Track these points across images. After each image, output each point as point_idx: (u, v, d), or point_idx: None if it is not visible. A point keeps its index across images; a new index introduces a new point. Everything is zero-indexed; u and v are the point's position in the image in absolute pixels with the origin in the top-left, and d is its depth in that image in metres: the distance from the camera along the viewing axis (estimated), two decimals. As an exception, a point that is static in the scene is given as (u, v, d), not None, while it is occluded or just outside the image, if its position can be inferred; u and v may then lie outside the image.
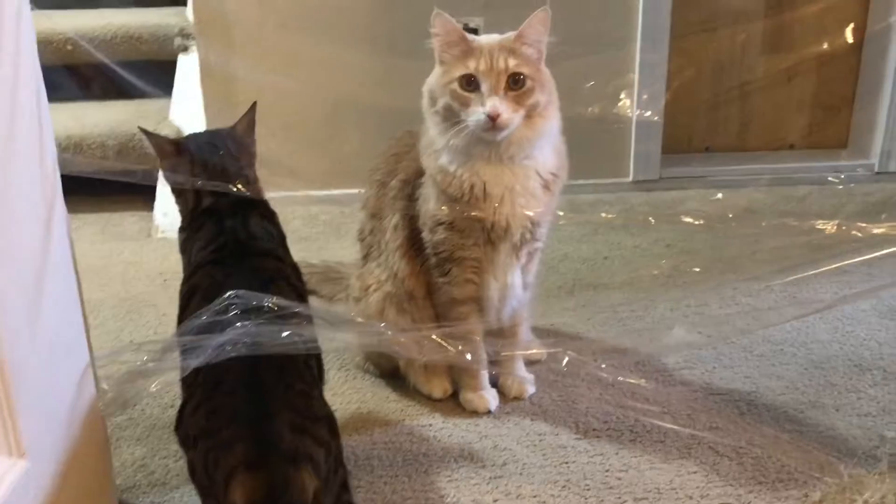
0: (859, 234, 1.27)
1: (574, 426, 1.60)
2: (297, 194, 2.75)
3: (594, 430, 1.59)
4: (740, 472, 1.45)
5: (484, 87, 1.43)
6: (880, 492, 1.36)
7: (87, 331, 1.22)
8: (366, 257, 1.73)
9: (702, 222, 1.58)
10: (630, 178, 2.92)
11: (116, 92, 3.06)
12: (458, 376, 1.68)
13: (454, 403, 1.68)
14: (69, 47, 2.96)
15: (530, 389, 1.71)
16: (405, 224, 1.63)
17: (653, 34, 2.77)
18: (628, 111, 1.92)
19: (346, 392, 1.72)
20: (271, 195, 2.79)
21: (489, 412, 1.65)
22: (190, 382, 1.15)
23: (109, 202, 2.81)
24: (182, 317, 1.26)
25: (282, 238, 1.40)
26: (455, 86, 1.45)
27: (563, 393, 1.71)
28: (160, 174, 2.82)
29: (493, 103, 1.42)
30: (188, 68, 2.94)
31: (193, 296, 1.24)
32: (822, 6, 2.92)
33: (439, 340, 1.28)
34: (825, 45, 2.97)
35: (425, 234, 1.60)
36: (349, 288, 1.76)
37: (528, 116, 1.47)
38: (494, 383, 1.71)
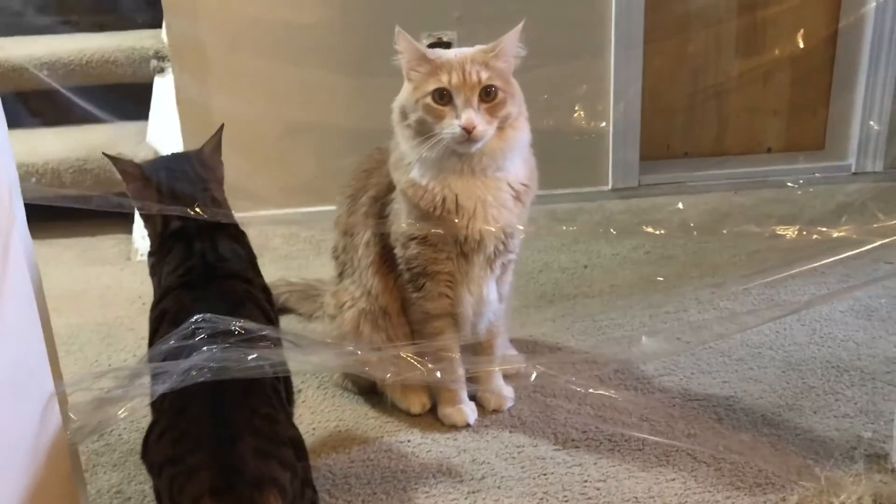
0: (819, 238, 1.27)
1: (553, 437, 1.60)
2: (279, 212, 2.76)
3: (573, 440, 1.58)
4: (718, 479, 1.45)
5: (458, 100, 1.44)
6: (856, 493, 1.36)
7: (54, 358, 1.22)
8: (340, 275, 1.73)
9: (662, 232, 1.57)
10: (609, 187, 2.92)
11: (96, 116, 3.07)
12: (435, 391, 1.68)
13: (433, 418, 1.68)
14: (45, 73, 2.97)
15: (509, 402, 1.70)
16: (377, 240, 1.63)
17: (626, 42, 2.78)
18: (583, 122, 1.92)
19: (324, 410, 1.72)
20: (252, 214, 2.82)
21: (468, 426, 1.64)
22: (157, 408, 1.14)
23: (88, 226, 2.80)
24: (152, 341, 1.26)
25: (252, 259, 1.40)
26: (428, 100, 1.46)
27: (541, 405, 1.71)
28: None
29: (468, 115, 1.43)
30: (164, 90, 2.94)
31: (162, 320, 1.24)
32: (793, 8, 2.94)
33: (410, 358, 1.28)
34: (798, 47, 2.99)
35: (398, 250, 1.60)
36: (324, 305, 1.76)
37: (500, 128, 1.48)
38: (473, 396, 1.70)
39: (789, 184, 2.68)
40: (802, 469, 1.46)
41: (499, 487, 1.46)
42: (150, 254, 1.39)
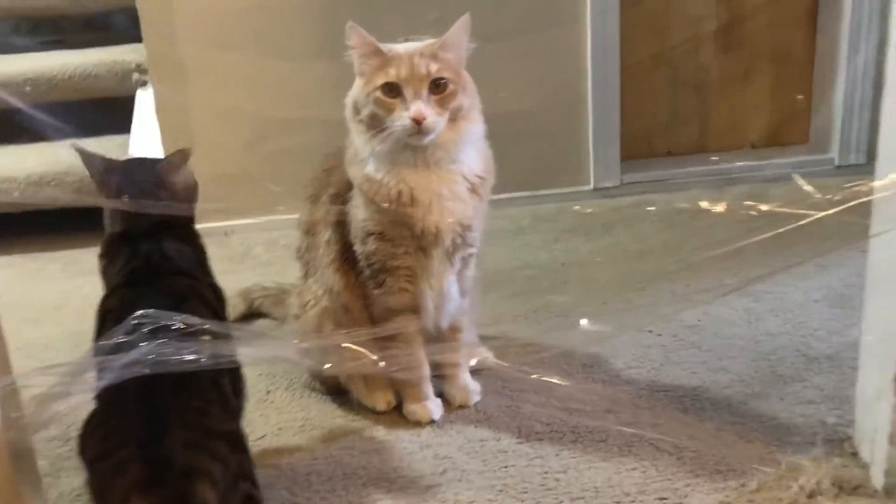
0: (753, 213, 1.26)
1: (517, 431, 1.59)
2: (261, 220, 2.78)
3: (536, 433, 1.58)
4: (679, 467, 1.44)
5: (407, 93, 1.45)
6: (816, 476, 1.35)
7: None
8: (305, 275, 1.73)
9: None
10: (591, 186, 2.92)
11: (77, 131, 3.09)
12: (400, 388, 1.68)
13: (398, 415, 1.67)
14: (28, 89, 3.00)
15: (475, 397, 1.70)
16: (337, 238, 1.63)
17: (602, 41, 2.79)
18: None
19: (291, 410, 1.72)
20: (236, 223, 2.82)
21: (432, 422, 1.64)
22: (94, 405, 1.15)
23: (72, 239, 2.81)
24: (96, 340, 1.26)
25: (201, 258, 1.41)
26: (378, 93, 1.47)
27: (508, 399, 1.70)
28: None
29: (418, 107, 1.43)
30: (146, 103, 2.96)
31: (106, 318, 1.25)
32: (771, 4, 2.94)
33: (353, 347, 1.28)
34: (778, 41, 2.99)
35: (357, 246, 1.60)
36: (289, 306, 1.76)
37: (453, 120, 1.49)
38: (440, 393, 1.70)
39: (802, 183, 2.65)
40: (764, 455, 1.45)
41: (459, 481, 1.46)
42: (100, 255, 1.39)
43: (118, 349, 1.13)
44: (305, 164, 1.82)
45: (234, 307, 2.08)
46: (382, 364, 1.27)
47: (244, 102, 2.72)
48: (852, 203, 1.16)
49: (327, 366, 1.42)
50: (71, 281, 2.57)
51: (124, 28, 3.30)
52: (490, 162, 1.61)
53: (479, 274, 1.83)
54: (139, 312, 1.15)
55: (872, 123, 2.93)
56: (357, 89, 1.53)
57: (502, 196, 2.77)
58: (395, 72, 1.45)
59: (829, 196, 1.19)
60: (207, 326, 1.17)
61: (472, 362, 1.69)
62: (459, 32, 1.49)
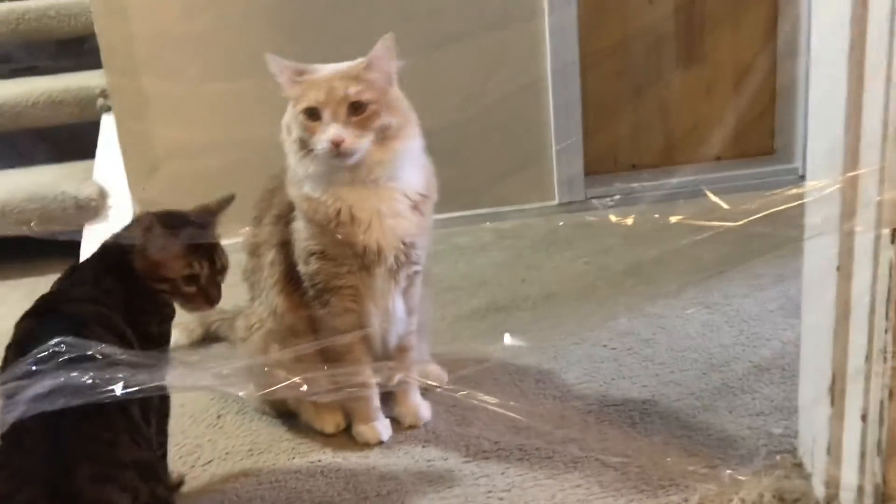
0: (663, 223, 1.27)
1: (465, 450, 1.58)
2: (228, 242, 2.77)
3: (483, 451, 1.57)
4: (623, 482, 1.43)
5: (325, 116, 1.45)
6: (757, 489, 1.34)
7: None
8: (251, 297, 1.72)
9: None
10: (556, 201, 2.93)
11: (43, 157, 3.10)
12: (349, 409, 1.66)
13: (347, 437, 1.66)
14: (-8, 116, 3.00)
15: (425, 416, 1.69)
16: (281, 259, 1.63)
17: (563, 59, 2.80)
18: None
19: (239, 435, 1.71)
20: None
21: (381, 443, 1.63)
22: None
23: (35, 266, 2.80)
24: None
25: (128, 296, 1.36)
26: (301, 117, 1.47)
27: (458, 417, 1.69)
28: (84, 233, 2.83)
29: (334, 130, 1.44)
30: (110, 128, 2.96)
31: (10, 349, 1.23)
32: (731, 16, 2.96)
33: (276, 371, 1.26)
34: (740, 54, 3.00)
35: (301, 266, 1.59)
36: (236, 329, 1.75)
37: (382, 139, 1.48)
38: (390, 414, 1.69)
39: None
40: (710, 469, 1.44)
41: (402, 503, 1.44)
42: None
43: (24, 379, 1.11)
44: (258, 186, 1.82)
45: (191, 331, 2.08)
46: (304, 388, 1.26)
47: (204, 126, 2.72)
48: (762, 214, 1.15)
49: (242, 392, 1.41)
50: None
51: (96, 53, 3.32)
52: (432, 178, 1.61)
53: (432, 291, 1.83)
54: (57, 340, 1.13)
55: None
56: (288, 112, 1.53)
57: (466, 213, 2.81)
58: (315, 95, 1.46)
59: (744, 206, 1.19)
60: (124, 356, 1.15)
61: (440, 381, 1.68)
62: (383, 51, 1.49)
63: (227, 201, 1.43)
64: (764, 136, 3.11)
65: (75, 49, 3.46)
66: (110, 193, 2.83)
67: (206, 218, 1.40)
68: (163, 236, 1.33)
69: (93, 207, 2.78)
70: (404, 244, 1.56)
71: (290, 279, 1.62)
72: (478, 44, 2.72)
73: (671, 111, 3.06)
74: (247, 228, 1.65)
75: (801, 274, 2.12)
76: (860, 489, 1.22)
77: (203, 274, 1.34)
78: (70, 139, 3.14)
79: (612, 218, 1.33)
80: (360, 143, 1.45)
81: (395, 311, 1.62)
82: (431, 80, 2.65)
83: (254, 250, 1.69)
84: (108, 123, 3.00)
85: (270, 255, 1.63)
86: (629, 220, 1.32)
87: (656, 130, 3.06)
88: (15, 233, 2.74)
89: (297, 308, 1.62)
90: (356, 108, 1.45)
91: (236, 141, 2.71)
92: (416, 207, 1.56)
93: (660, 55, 2.99)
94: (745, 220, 1.14)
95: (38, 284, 2.69)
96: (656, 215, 1.28)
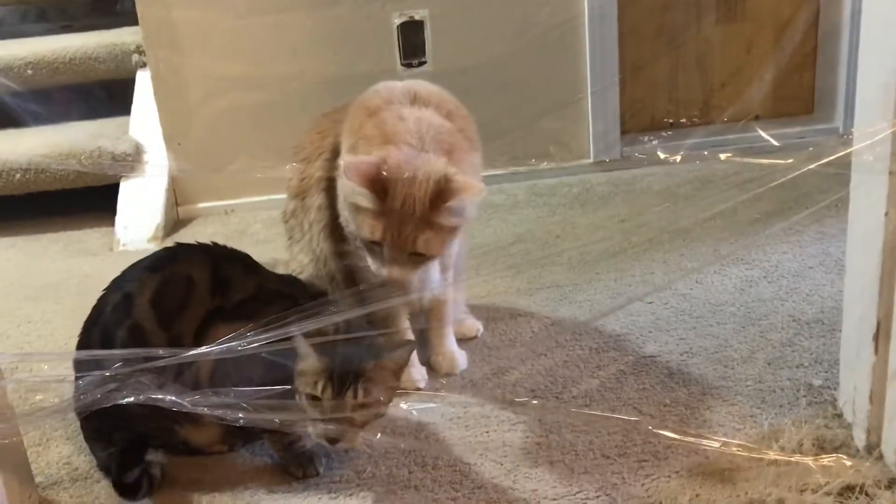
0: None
1: (501, 398, 1.58)
2: (262, 199, 2.79)
3: (520, 399, 1.57)
4: (659, 426, 1.43)
5: (385, 253, 1.43)
6: (797, 437, 1.34)
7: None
8: (290, 240, 1.73)
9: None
10: (591, 160, 2.91)
11: (79, 113, 3.12)
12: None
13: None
14: (29, 73, 3.02)
15: (462, 365, 1.69)
16: (329, 203, 1.62)
17: (600, 13, 2.76)
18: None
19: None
20: (235, 202, 2.83)
21: (418, 389, 1.64)
22: None
23: (74, 221, 2.85)
24: None
25: None
26: (359, 243, 1.47)
27: (494, 367, 1.70)
28: (121, 188, 2.86)
29: (391, 270, 1.43)
30: (146, 84, 2.97)
31: None
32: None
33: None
34: (781, 12, 2.94)
35: (343, 221, 1.58)
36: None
37: None
38: (427, 362, 1.70)
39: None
40: (748, 417, 1.44)
41: (440, 446, 1.46)
42: None
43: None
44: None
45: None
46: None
47: (241, 70, 2.72)
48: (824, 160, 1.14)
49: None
50: (71, 260, 2.59)
51: (129, 10, 3.33)
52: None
53: (468, 249, 1.84)
54: None
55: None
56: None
57: (499, 172, 2.80)
58: (380, 231, 1.42)
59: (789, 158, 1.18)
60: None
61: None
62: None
63: None
64: (804, 94, 3.05)
65: (109, 8, 3.49)
66: (146, 149, 2.86)
67: None
68: None
69: (129, 163, 2.80)
70: None
71: (337, 224, 1.61)
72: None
73: (710, 69, 3.01)
74: (294, 165, 1.64)
75: (842, 232, 2.12)
76: (903, 436, 1.21)
77: None
78: (106, 95, 3.16)
79: (661, 154, 1.30)
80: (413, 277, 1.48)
81: (432, 269, 1.61)
82: (473, 36, 2.66)
83: (298, 192, 1.68)
84: (143, 79, 3.02)
85: (319, 199, 1.62)
86: (677, 158, 1.29)
87: (694, 89, 3.02)
88: (54, 187, 2.79)
89: (342, 255, 1.62)
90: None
91: (271, 78, 2.71)
92: None
93: (699, 12, 2.94)
94: (793, 161, 1.12)
95: (77, 237, 2.78)
96: (705, 152, 1.25)
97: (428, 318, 1.70)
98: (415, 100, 1.51)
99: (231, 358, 1.24)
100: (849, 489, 1.22)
